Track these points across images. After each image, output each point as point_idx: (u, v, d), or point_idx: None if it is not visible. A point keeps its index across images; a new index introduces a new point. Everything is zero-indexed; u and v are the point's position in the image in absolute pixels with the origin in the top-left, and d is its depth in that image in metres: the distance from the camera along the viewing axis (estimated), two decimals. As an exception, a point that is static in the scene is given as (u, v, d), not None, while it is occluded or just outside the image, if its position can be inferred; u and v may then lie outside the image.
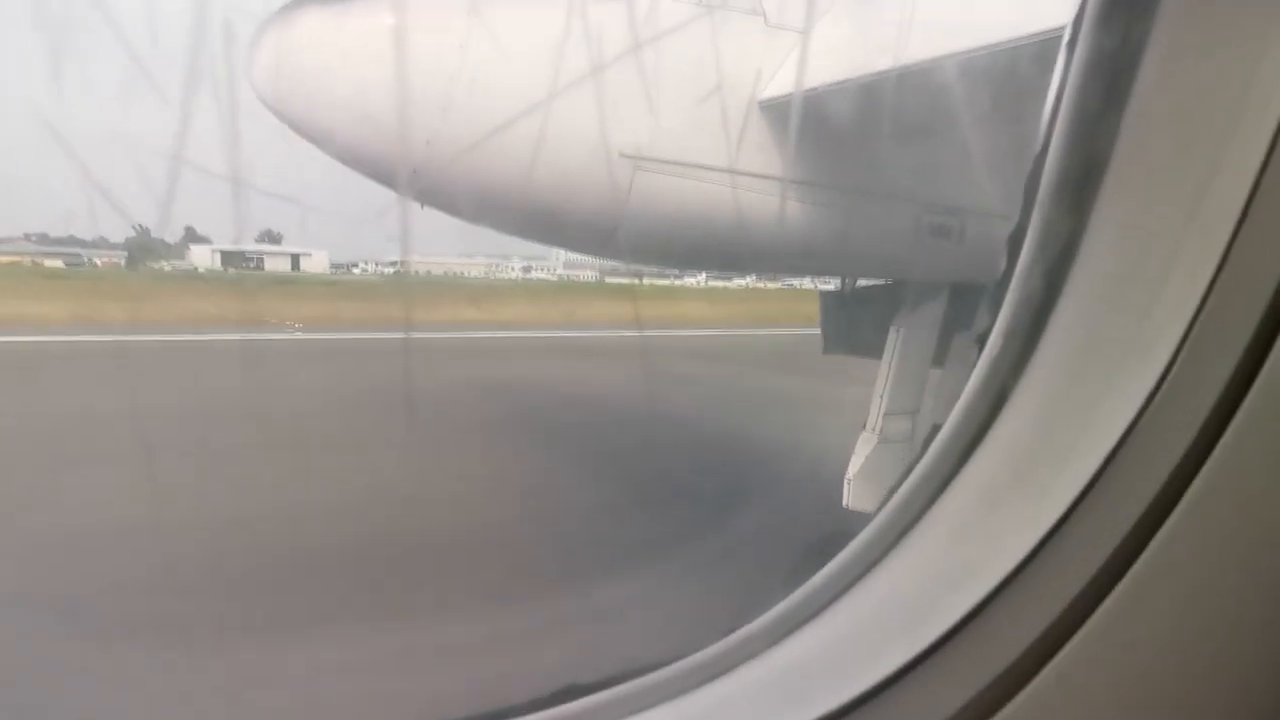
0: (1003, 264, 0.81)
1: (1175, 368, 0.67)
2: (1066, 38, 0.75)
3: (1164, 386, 0.68)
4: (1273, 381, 0.64)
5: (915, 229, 4.55)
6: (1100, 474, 0.70)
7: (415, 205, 4.43)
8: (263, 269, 20.05)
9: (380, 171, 4.39)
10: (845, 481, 5.04)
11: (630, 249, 5.14)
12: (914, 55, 4.25)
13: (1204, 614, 0.70)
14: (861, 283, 5.38)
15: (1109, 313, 0.74)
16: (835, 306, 5.51)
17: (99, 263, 20.25)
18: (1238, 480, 0.67)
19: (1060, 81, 0.75)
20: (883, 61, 4.37)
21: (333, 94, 4.16)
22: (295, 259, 20.35)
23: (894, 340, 4.84)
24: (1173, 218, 0.69)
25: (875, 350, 4.93)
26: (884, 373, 4.86)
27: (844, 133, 4.71)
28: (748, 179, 4.86)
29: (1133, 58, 0.68)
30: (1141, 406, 0.69)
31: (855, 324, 5.22)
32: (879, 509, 0.87)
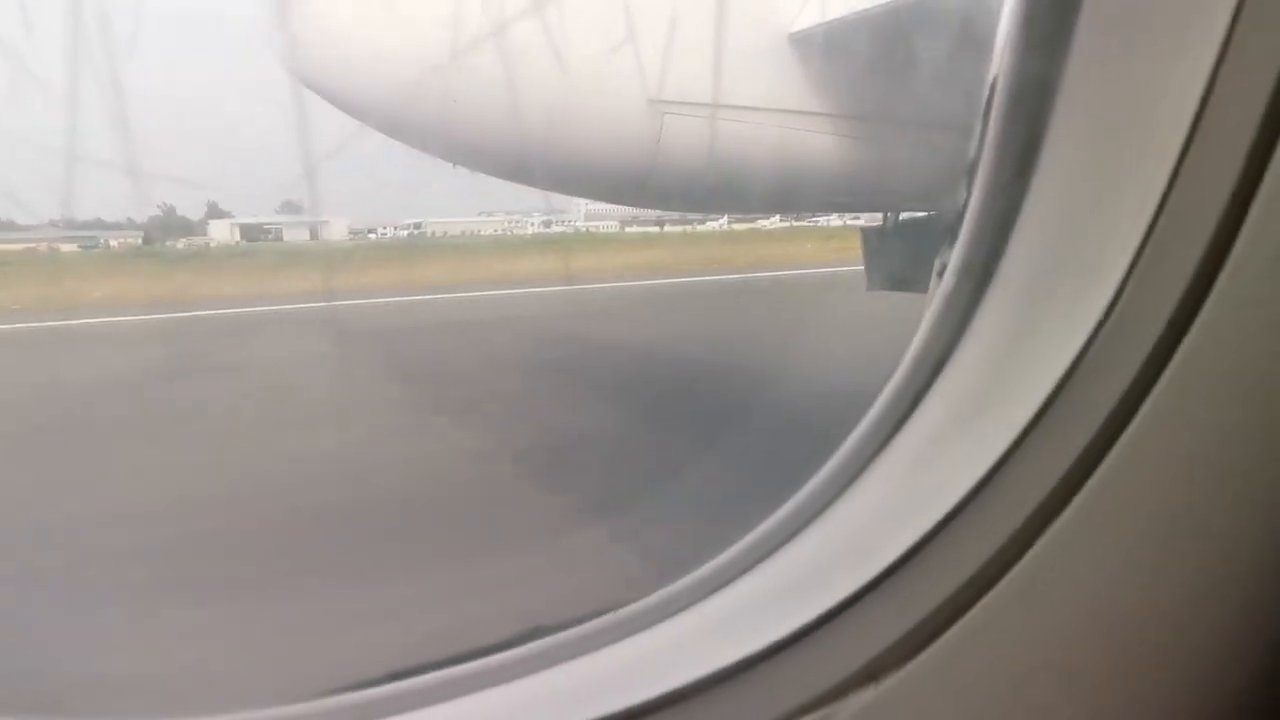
0: (965, 193, 0.82)
1: (1116, 310, 0.70)
2: None
3: (1105, 328, 0.70)
4: (1213, 321, 0.66)
5: (958, 156, 4.50)
6: (1047, 406, 0.73)
7: (447, 166, 4.48)
8: (282, 239, 20.28)
9: (409, 133, 4.44)
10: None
11: (664, 195, 5.16)
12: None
13: (1138, 552, 0.72)
14: (904, 216, 5.36)
15: (1054, 253, 0.75)
16: (878, 242, 5.49)
17: (114, 244, 20.60)
18: (1176, 420, 0.70)
19: (1008, 14, 0.75)
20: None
21: (360, 61, 4.20)
22: (314, 228, 20.52)
23: (938, 273, 4.81)
24: (1114, 160, 0.70)
25: (921, 284, 4.91)
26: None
27: (879, 61, 4.64)
28: (782, 115, 4.83)
29: (1072, 6, 0.69)
30: (1083, 346, 0.71)
31: (899, 259, 5.21)
32: (836, 450, 0.90)
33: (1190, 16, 0.64)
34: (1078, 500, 0.71)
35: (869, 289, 5.49)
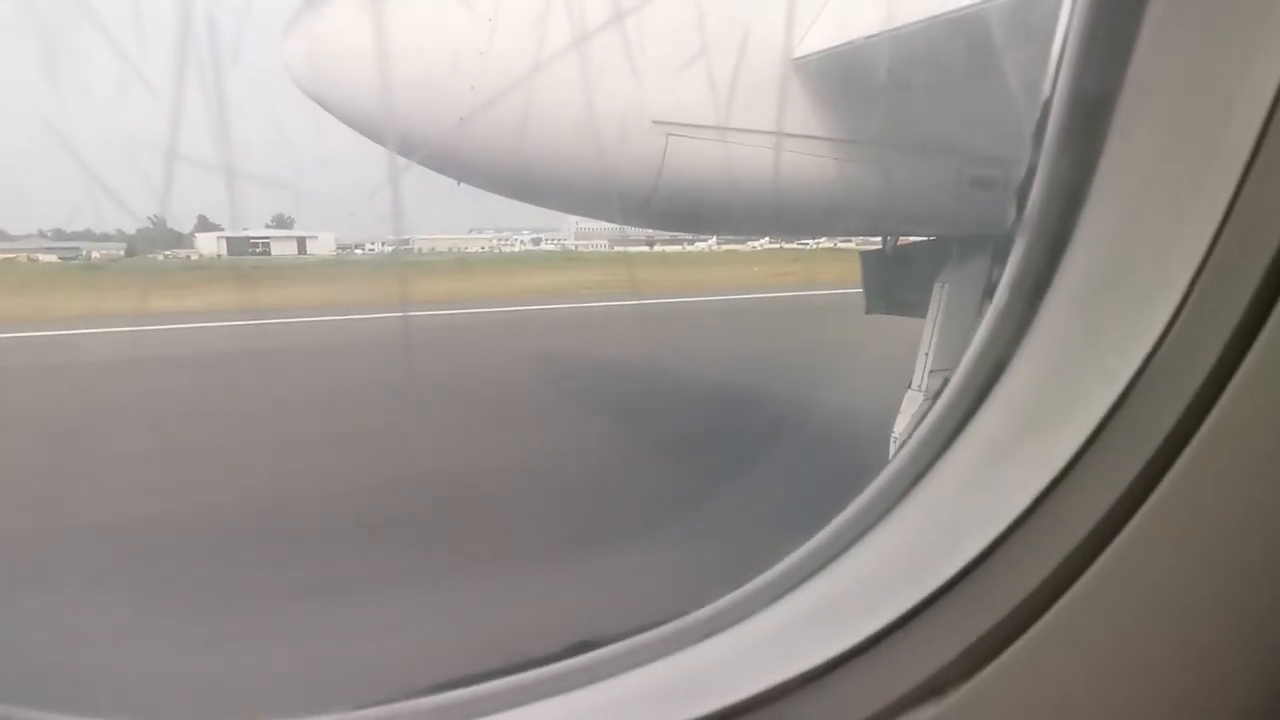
0: (1015, 215, 0.83)
1: (1180, 321, 0.69)
2: None
3: (1168, 340, 0.69)
4: (1275, 341, 0.66)
5: (957, 182, 4.63)
6: (1104, 425, 0.72)
7: (445, 183, 4.55)
8: (269, 254, 20.24)
9: (414, 150, 4.50)
10: (891, 439, 5.19)
11: (665, 216, 5.24)
12: (950, 3, 4.28)
13: (1202, 566, 0.72)
14: (903, 240, 5.47)
15: (1113, 265, 0.75)
16: (877, 266, 5.59)
17: (96, 255, 20.48)
18: (1240, 434, 0.68)
19: (1066, 28, 0.76)
20: (917, 11, 4.41)
21: (366, 77, 4.28)
22: (301, 242, 20.52)
23: (938, 297, 4.93)
24: (1178, 167, 0.70)
25: (919, 309, 5.02)
26: (929, 331, 4.97)
27: (881, 87, 4.77)
28: (783, 139, 4.94)
29: (1136, 14, 0.69)
30: (1145, 359, 0.70)
31: (898, 282, 5.31)
32: (889, 463, 0.91)
33: (1256, 38, 0.64)
34: (1139, 516, 0.70)
35: (867, 311, 5.59)
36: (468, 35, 4.31)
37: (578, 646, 0.90)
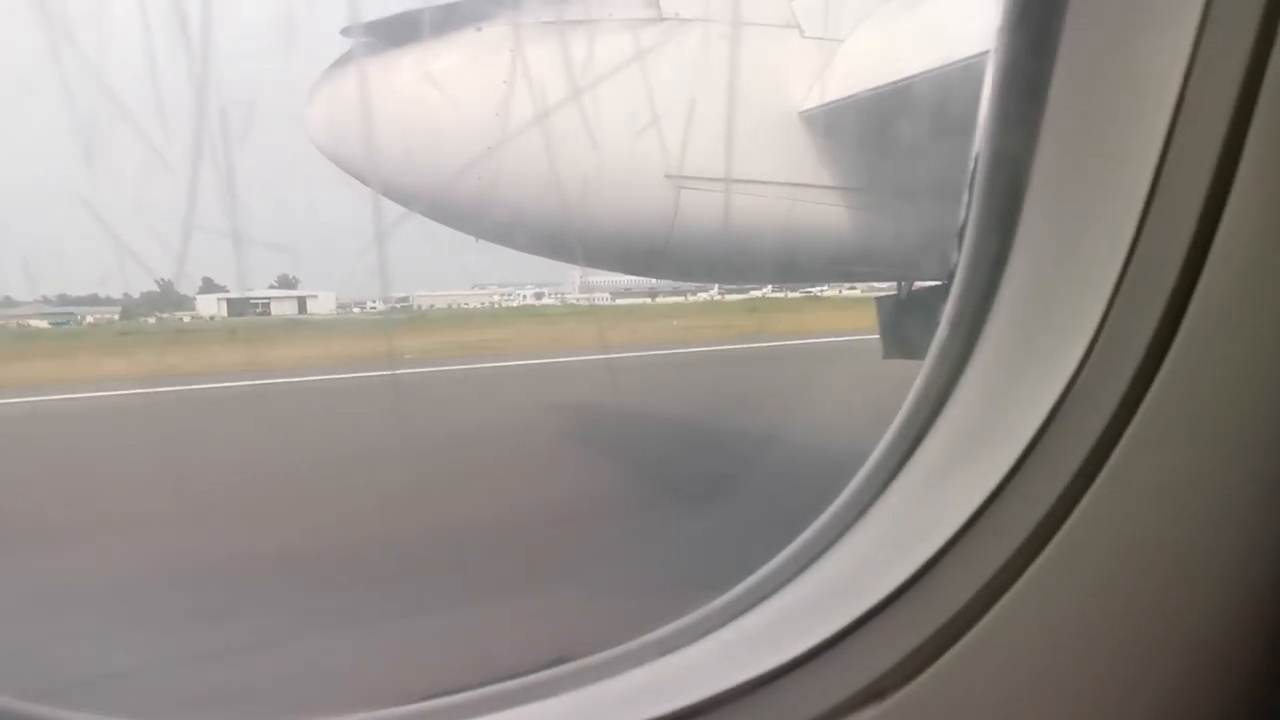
0: (956, 257, 0.92)
1: (1096, 347, 0.77)
2: (992, 45, 0.85)
3: (1086, 366, 0.77)
4: (1182, 360, 0.74)
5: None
6: (1031, 447, 0.80)
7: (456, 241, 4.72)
8: (269, 314, 20.49)
9: (434, 209, 4.68)
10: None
11: (678, 266, 5.40)
12: (956, 54, 4.49)
13: (1127, 576, 0.79)
14: (917, 285, 5.62)
15: (1040, 293, 0.83)
16: (893, 311, 5.73)
17: (90, 319, 20.71)
18: (1152, 450, 0.76)
19: (991, 80, 0.85)
20: (925, 62, 4.63)
21: (384, 140, 4.47)
22: (302, 302, 20.78)
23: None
24: (1092, 199, 0.78)
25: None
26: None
27: (889, 136, 4.98)
28: (792, 189, 5.13)
29: (1049, 44, 0.77)
30: (1070, 379, 0.78)
31: (915, 327, 5.43)
32: (839, 494, 0.99)
33: (1139, 98, 0.73)
34: (1065, 529, 0.78)
35: (884, 357, 5.70)
36: (483, 94, 4.53)
37: (553, 661, 0.97)
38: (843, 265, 5.55)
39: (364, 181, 4.50)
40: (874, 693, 0.82)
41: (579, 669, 0.96)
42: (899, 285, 5.79)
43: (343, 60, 4.23)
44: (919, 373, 0.96)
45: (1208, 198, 0.71)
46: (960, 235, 0.90)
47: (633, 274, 6.20)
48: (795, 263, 5.48)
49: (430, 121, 4.50)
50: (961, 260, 0.90)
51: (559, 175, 4.80)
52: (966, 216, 0.89)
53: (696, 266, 5.33)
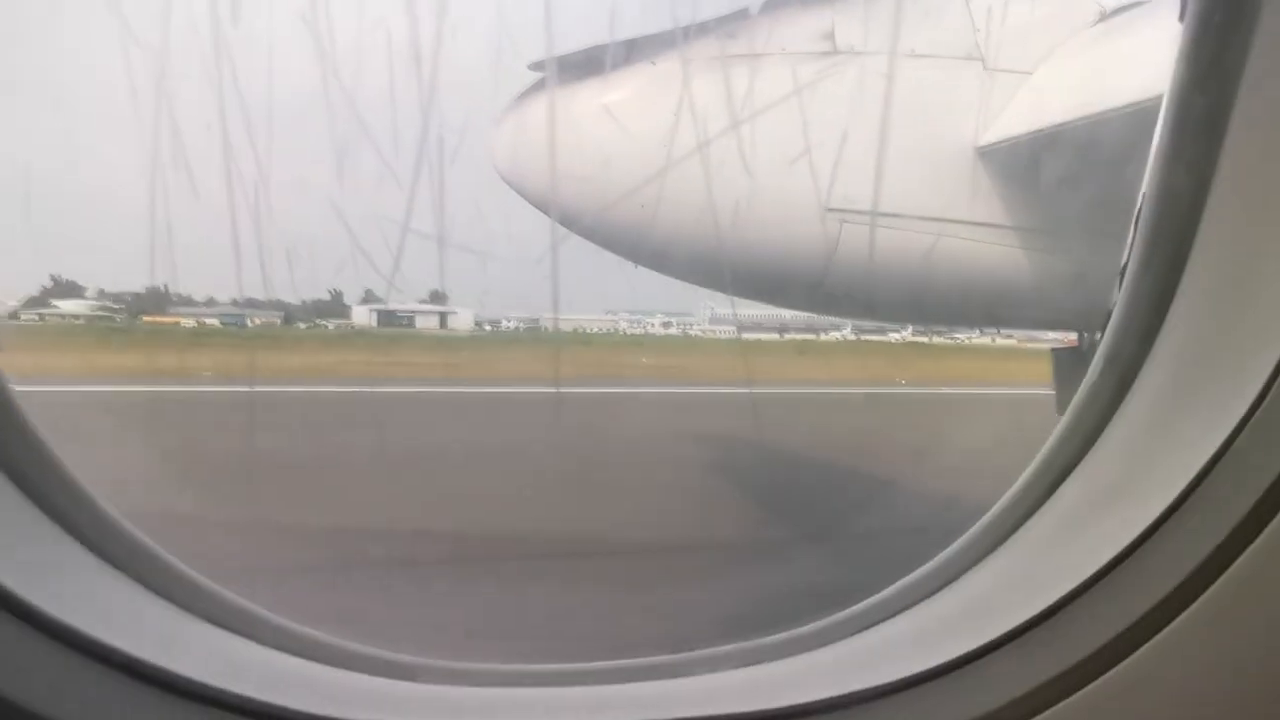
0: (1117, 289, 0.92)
1: (1267, 397, 0.74)
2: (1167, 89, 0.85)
3: (1254, 415, 0.74)
4: None
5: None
6: (1184, 498, 0.77)
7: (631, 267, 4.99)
8: (414, 326, 21.98)
9: (603, 237, 5.00)
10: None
11: (835, 301, 5.46)
12: (1150, 90, 4.36)
13: (1265, 649, 0.75)
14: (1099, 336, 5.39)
15: (1204, 341, 0.81)
16: (1072, 363, 5.53)
17: (254, 322, 22.87)
18: None
19: (1162, 117, 0.85)
20: (1117, 98, 4.51)
21: (560, 167, 4.85)
22: (443, 317, 22.17)
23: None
24: (1267, 251, 0.76)
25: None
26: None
27: (1072, 175, 4.86)
28: (966, 227, 5.09)
29: (1227, 93, 0.76)
30: (1231, 434, 0.75)
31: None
32: (981, 519, 1.00)
33: None
34: (1211, 591, 0.75)
35: (1059, 412, 5.49)
36: (653, 121, 4.82)
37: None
38: (1015, 310, 5.42)
39: (538, 206, 4.89)
40: None
41: (760, 647, 1.01)
42: (1080, 336, 5.57)
43: (527, 92, 4.65)
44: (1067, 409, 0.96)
45: None
46: (1122, 273, 0.91)
47: (788, 307, 6.31)
48: (961, 304, 5.41)
49: (603, 150, 4.84)
50: (1121, 298, 0.91)
51: (718, 203, 5.02)
52: (1130, 254, 0.90)
53: (858, 303, 5.37)
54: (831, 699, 0.87)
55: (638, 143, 4.84)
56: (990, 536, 0.99)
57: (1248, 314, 0.77)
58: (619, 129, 4.82)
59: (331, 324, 21.66)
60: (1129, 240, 0.90)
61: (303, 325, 21.65)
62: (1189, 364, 0.84)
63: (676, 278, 5.29)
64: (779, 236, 5.21)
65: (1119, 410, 0.90)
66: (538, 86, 4.64)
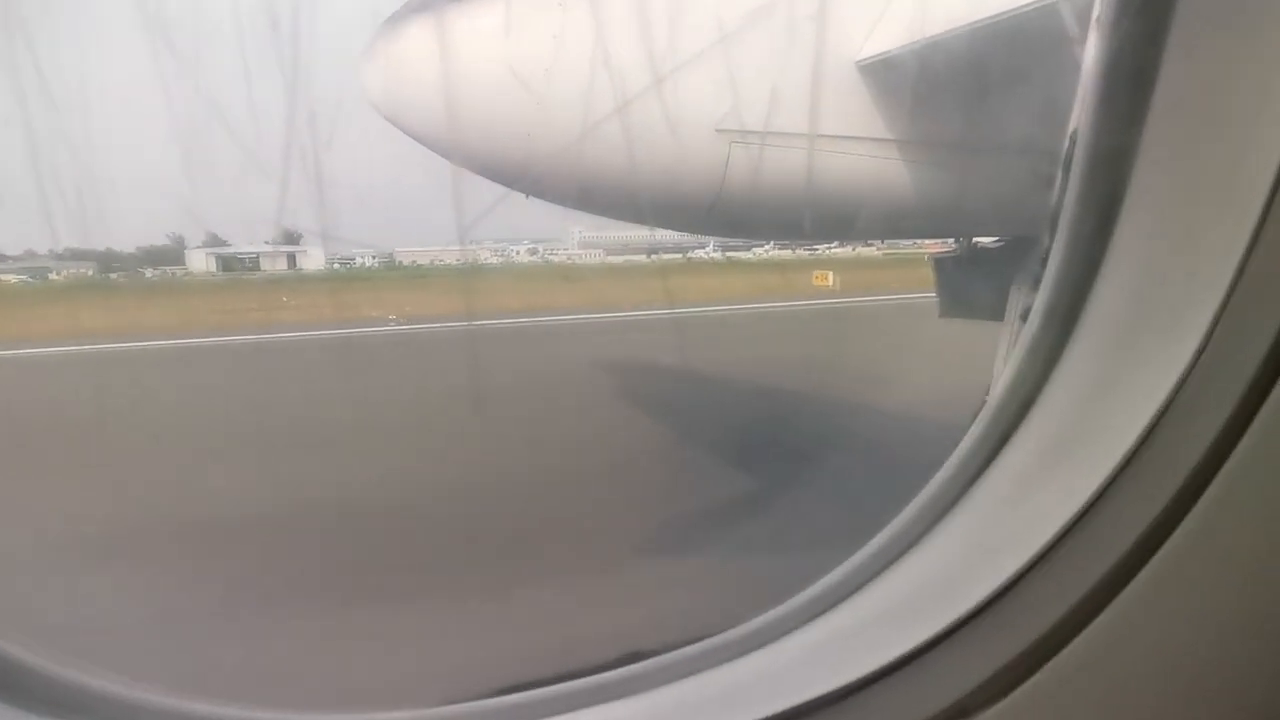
0: (1049, 239, 0.90)
1: (1207, 352, 0.73)
2: (1095, 16, 0.84)
3: (1197, 366, 0.74)
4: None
5: (1033, 181, 5.03)
6: (1136, 450, 0.77)
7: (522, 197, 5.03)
8: (259, 269, 20.82)
9: (485, 167, 4.97)
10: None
11: (728, 223, 5.70)
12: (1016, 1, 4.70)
13: (1230, 596, 0.75)
14: (976, 243, 5.89)
15: (1144, 290, 0.80)
16: (951, 270, 6.01)
17: (57, 276, 21.13)
18: (1271, 461, 0.72)
19: (1091, 61, 0.83)
20: (987, 8, 4.84)
21: (437, 97, 4.76)
22: (291, 257, 21.10)
23: (1015, 300, 5.31)
24: (1203, 198, 0.75)
25: (997, 312, 5.40)
26: (1007, 335, 5.36)
27: (949, 87, 5.22)
28: (848, 142, 5.39)
29: (1159, 33, 0.75)
30: (1178, 383, 0.75)
31: (973, 286, 5.71)
32: (922, 489, 0.98)
33: (1271, 79, 0.71)
34: (1168, 545, 0.75)
35: (941, 316, 6.01)
36: (533, 52, 4.79)
37: (628, 656, 0.99)
38: (903, 221, 5.83)
39: (416, 138, 4.80)
40: (957, 712, 0.82)
41: (653, 668, 0.97)
42: (959, 242, 6.06)
43: (397, 17, 4.50)
44: (1005, 365, 0.95)
45: None
46: (1054, 219, 0.88)
47: (683, 230, 6.50)
48: (848, 219, 5.75)
49: (481, 77, 4.77)
50: (1056, 246, 0.88)
51: (605, 128, 5.08)
52: (1061, 199, 0.87)
53: (747, 223, 5.62)
54: (789, 710, 0.85)
55: (517, 68, 4.81)
56: (936, 506, 0.97)
57: (1187, 258, 0.76)
58: (496, 54, 4.75)
59: (154, 272, 20.20)
60: (1059, 188, 0.88)
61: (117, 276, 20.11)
62: (1129, 313, 0.82)
63: (565, 205, 5.35)
64: (669, 159, 5.34)
65: (1059, 365, 0.88)
66: (408, 11, 4.50)
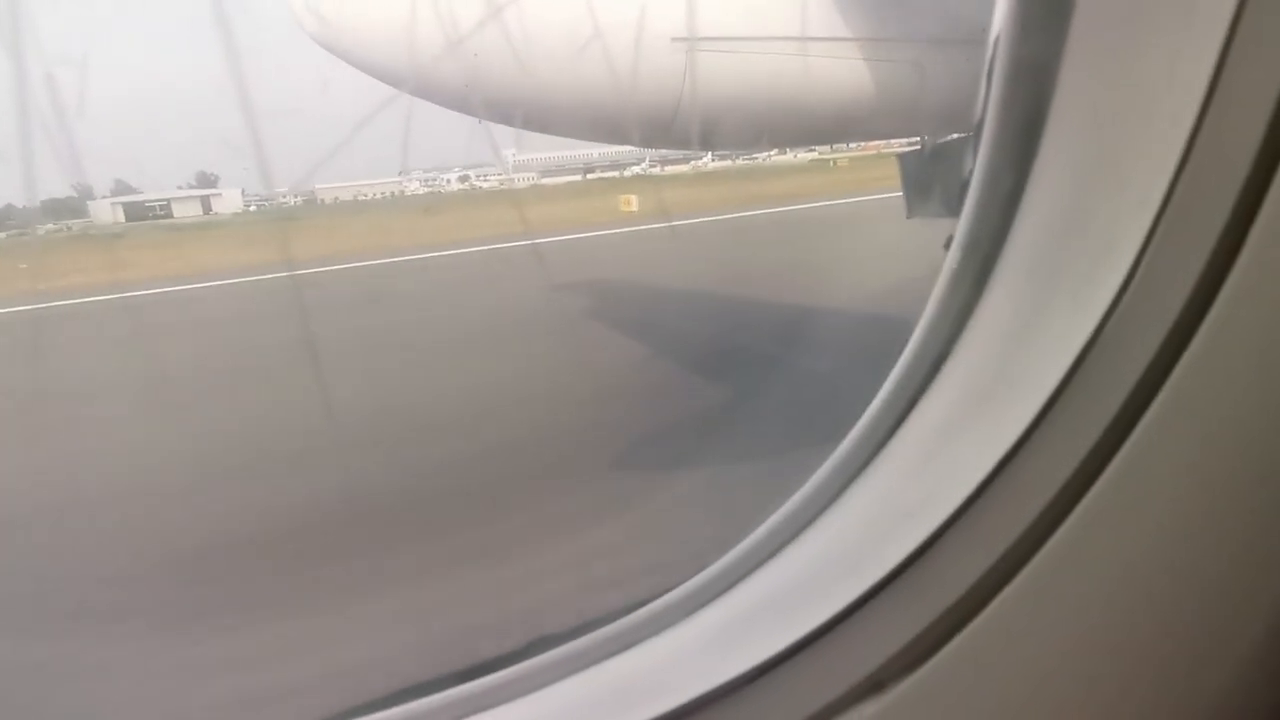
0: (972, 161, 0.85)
1: (1131, 286, 0.71)
2: None
3: (1120, 307, 0.71)
4: (1230, 305, 0.67)
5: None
6: (1056, 397, 0.74)
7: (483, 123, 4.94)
8: (170, 215, 19.99)
9: (430, 91, 4.86)
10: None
11: (692, 135, 5.68)
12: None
13: (1158, 547, 0.73)
14: (941, 140, 5.97)
15: (1069, 216, 0.77)
16: (916, 167, 6.11)
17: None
18: (1194, 405, 0.70)
19: None
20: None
21: (375, 20, 4.60)
22: (206, 201, 20.29)
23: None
24: (1125, 130, 0.72)
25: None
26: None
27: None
28: (808, 44, 5.38)
29: None
30: (1096, 328, 0.72)
31: (940, 184, 5.83)
32: (837, 447, 0.95)
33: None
34: (1090, 496, 0.73)
35: (908, 216, 6.13)
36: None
37: (535, 644, 0.97)
38: (867, 122, 5.88)
39: (356, 65, 4.65)
40: (872, 685, 0.80)
41: (553, 660, 0.95)
42: (922, 140, 6.14)
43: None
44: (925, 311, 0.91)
45: (1272, 116, 0.64)
46: (975, 144, 0.85)
47: (641, 146, 6.44)
48: (814, 123, 5.79)
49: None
50: (975, 174, 0.85)
51: (556, 45, 4.98)
52: (980, 128, 0.83)
53: (711, 134, 5.62)
54: (701, 697, 0.84)
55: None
56: (852, 463, 0.93)
57: (1113, 179, 0.74)
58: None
59: (51, 227, 19.22)
60: (980, 104, 0.83)
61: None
62: (1053, 243, 0.79)
63: (514, 127, 5.28)
64: (624, 72, 5.27)
65: (980, 304, 0.85)
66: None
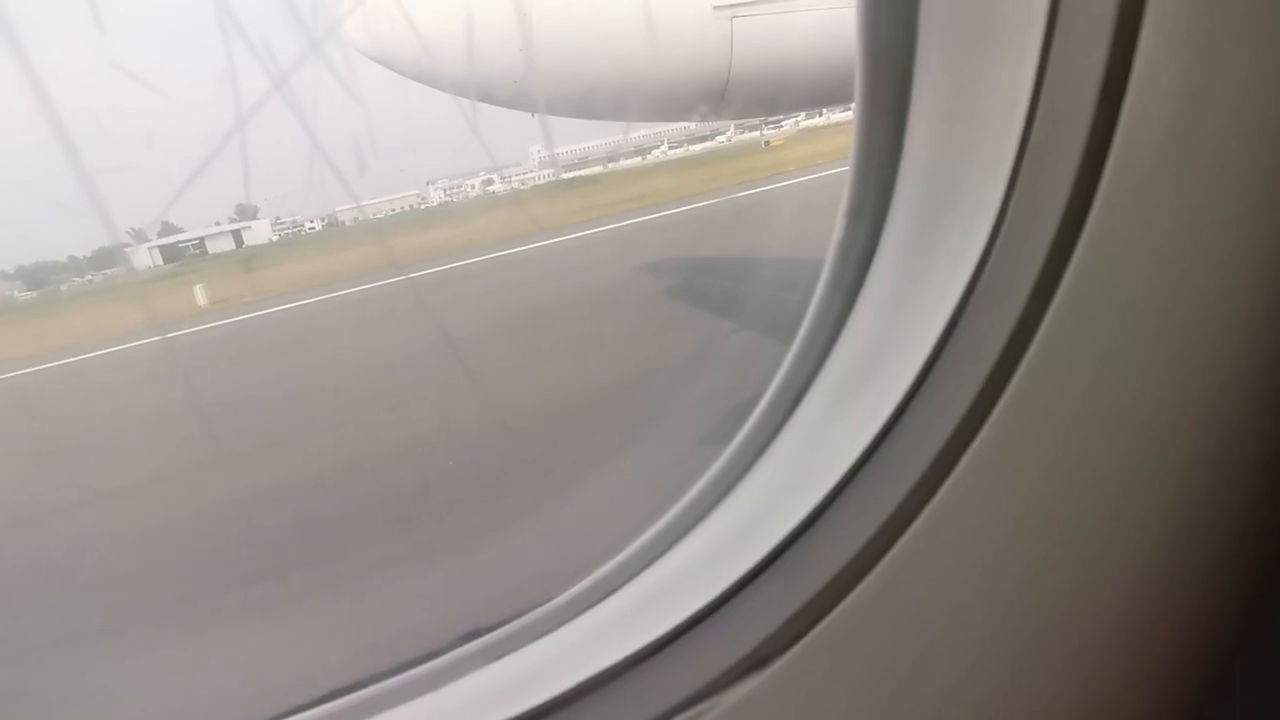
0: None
1: (1003, 225, 0.74)
2: None
3: (989, 259, 0.75)
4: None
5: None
6: (932, 361, 0.78)
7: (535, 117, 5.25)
8: (206, 252, 20.89)
9: (483, 90, 5.19)
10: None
11: (746, 103, 5.92)
12: None
13: (1029, 513, 0.78)
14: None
15: (936, 183, 0.81)
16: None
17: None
18: (1072, 345, 0.73)
19: None
20: None
21: (423, 30, 4.95)
22: (237, 235, 21.16)
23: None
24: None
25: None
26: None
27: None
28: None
29: None
30: (968, 284, 0.76)
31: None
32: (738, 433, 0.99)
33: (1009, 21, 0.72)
34: (965, 461, 0.77)
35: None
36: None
37: (466, 636, 0.99)
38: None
39: (408, 75, 5.01)
40: (756, 660, 0.84)
41: (435, 669, 0.97)
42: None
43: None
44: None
45: (1112, 49, 0.68)
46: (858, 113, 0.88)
47: (701, 120, 6.69)
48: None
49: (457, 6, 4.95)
50: (854, 141, 0.88)
51: (601, 31, 5.27)
52: (857, 92, 0.86)
53: (762, 100, 5.85)
54: (582, 683, 0.88)
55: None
56: (752, 446, 0.98)
57: (971, 136, 0.76)
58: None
59: (93, 277, 20.25)
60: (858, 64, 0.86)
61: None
62: (928, 204, 0.82)
63: (569, 116, 5.59)
64: (670, 50, 5.54)
65: (869, 270, 0.88)
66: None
